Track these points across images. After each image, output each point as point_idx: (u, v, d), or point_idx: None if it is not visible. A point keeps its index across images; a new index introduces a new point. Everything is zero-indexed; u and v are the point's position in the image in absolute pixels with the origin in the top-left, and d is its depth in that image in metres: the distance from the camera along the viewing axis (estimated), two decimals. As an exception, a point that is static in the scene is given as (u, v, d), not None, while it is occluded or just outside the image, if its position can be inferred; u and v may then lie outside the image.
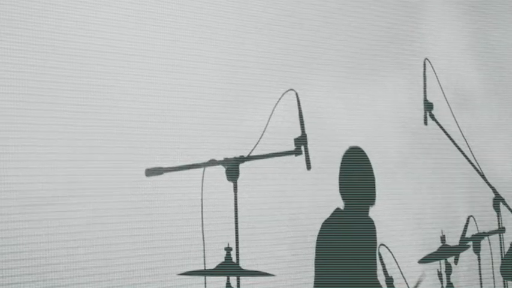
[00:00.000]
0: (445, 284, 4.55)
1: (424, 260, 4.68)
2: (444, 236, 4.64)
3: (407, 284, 4.57)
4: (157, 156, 4.64)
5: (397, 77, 6.07)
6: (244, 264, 3.77)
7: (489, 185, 4.56)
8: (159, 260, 4.59)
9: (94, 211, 4.41)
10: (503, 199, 4.57)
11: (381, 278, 4.43)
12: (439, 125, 4.57)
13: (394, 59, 6.09)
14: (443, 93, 4.80)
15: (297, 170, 4.56)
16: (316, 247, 4.35)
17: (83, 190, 4.39)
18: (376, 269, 4.40)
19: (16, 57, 4.27)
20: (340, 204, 4.43)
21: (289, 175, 5.17)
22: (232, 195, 3.76)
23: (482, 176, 4.55)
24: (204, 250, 3.84)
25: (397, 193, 5.82)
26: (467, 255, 4.95)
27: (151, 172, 4.14)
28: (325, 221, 4.38)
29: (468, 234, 4.69)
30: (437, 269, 4.60)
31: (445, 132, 4.59)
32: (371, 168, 4.44)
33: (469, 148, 4.66)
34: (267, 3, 5.41)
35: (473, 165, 4.55)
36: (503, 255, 4.60)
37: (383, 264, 4.45)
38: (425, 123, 4.60)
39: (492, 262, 4.84)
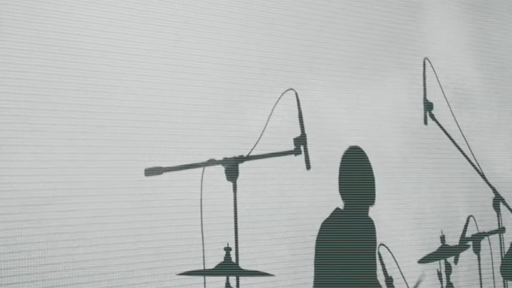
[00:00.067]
0: (444, 284, 4.55)
1: (424, 260, 4.67)
2: (444, 235, 4.63)
3: (407, 284, 4.57)
4: (156, 156, 4.64)
5: (397, 76, 6.06)
6: (243, 264, 3.76)
7: (489, 184, 4.55)
8: (158, 259, 4.58)
9: (93, 211, 4.41)
10: (503, 199, 4.56)
11: (381, 278, 4.42)
12: (439, 124, 4.57)
13: (394, 58, 6.09)
14: (443, 92, 4.79)
15: (296, 169, 4.56)
16: (316, 247, 4.34)
17: (82, 190, 4.39)
18: (375, 269, 4.40)
19: (18, 57, 4.27)
20: (340, 204, 4.42)
21: (289, 175, 5.17)
22: (232, 195, 3.76)
23: (482, 176, 4.55)
24: (203, 250, 3.83)
25: (396, 193, 5.82)
26: (467, 255, 4.95)
27: (150, 172, 4.14)
28: (325, 221, 4.38)
29: (468, 234, 4.68)
30: (437, 269, 4.59)
31: (445, 131, 4.59)
32: (371, 168, 4.43)
33: (469, 148, 4.66)
34: (269, 3, 5.40)
35: (473, 165, 4.55)
36: (503, 255, 4.60)
37: (383, 264, 4.45)
38: (425, 122, 4.59)
39: (492, 262, 4.84)
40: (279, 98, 4.00)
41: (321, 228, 4.36)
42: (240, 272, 3.70)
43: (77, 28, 4.50)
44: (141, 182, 4.52)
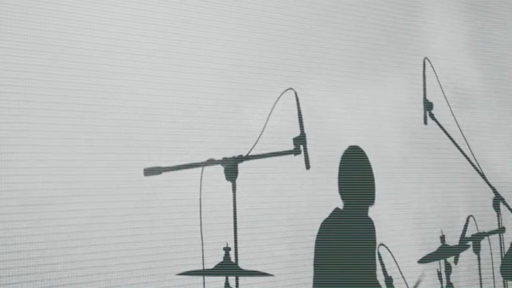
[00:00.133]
0: (444, 284, 4.54)
1: (424, 260, 4.67)
2: (444, 235, 4.63)
3: (406, 284, 4.57)
4: (155, 156, 4.63)
5: (397, 76, 6.06)
6: (243, 264, 3.76)
7: (489, 184, 4.54)
8: (157, 259, 4.58)
9: (92, 211, 4.40)
10: (503, 199, 4.56)
11: (380, 278, 4.42)
12: (438, 124, 4.56)
13: (394, 58, 6.09)
14: (443, 92, 4.79)
15: (296, 169, 4.55)
16: (315, 247, 4.34)
17: (81, 190, 4.39)
18: (375, 269, 4.39)
19: (18, 57, 4.27)
20: (340, 204, 4.42)
21: (288, 175, 5.16)
22: (231, 194, 3.75)
23: (482, 176, 4.54)
24: (202, 250, 3.83)
25: (396, 193, 5.81)
26: (467, 255, 4.95)
27: (149, 172, 4.14)
28: (324, 220, 4.37)
29: (468, 234, 4.68)
30: (437, 269, 4.59)
31: (444, 131, 4.58)
32: (370, 167, 4.43)
33: (469, 147, 4.65)
34: (267, 3, 5.40)
35: (473, 165, 4.54)
36: (503, 255, 4.60)
37: (382, 264, 4.44)
38: (425, 122, 4.58)
39: (492, 262, 4.84)
40: (279, 98, 4.00)
41: (320, 228, 4.36)
42: (239, 272, 3.70)
43: (78, 28, 4.50)
44: (140, 182, 4.51)
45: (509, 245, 4.64)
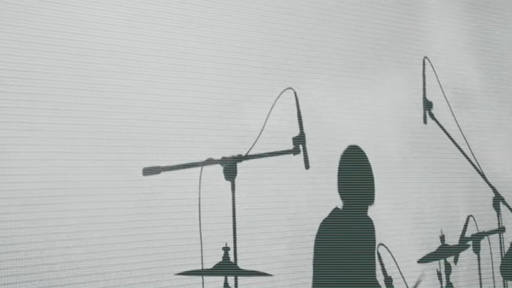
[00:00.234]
0: (444, 284, 4.54)
1: (424, 260, 4.66)
2: (444, 235, 4.62)
3: (406, 284, 4.56)
4: (155, 155, 4.63)
5: (397, 75, 6.05)
6: (242, 264, 3.76)
7: (489, 184, 4.54)
8: (156, 259, 4.57)
9: (91, 211, 4.40)
10: (503, 198, 4.55)
11: (380, 278, 4.41)
12: (438, 124, 4.55)
13: (394, 57, 6.08)
14: (442, 92, 4.78)
15: (295, 169, 4.54)
16: (315, 247, 4.33)
17: (79, 190, 4.38)
18: (375, 269, 4.39)
19: (19, 56, 4.26)
20: (339, 203, 4.41)
21: (288, 174, 5.16)
22: (230, 194, 3.74)
23: (482, 175, 4.53)
24: (201, 250, 3.82)
25: (396, 192, 5.80)
26: (466, 255, 4.94)
27: (148, 171, 4.13)
28: (324, 220, 4.36)
29: (468, 234, 4.68)
30: (437, 269, 4.59)
31: (444, 131, 4.58)
32: (370, 167, 4.42)
33: (469, 147, 4.65)
34: (267, 2, 5.39)
35: (473, 165, 4.53)
36: (503, 255, 4.59)
37: (382, 264, 4.44)
38: (425, 122, 4.58)
39: (492, 262, 4.83)
40: (278, 97, 3.99)
41: (319, 228, 4.35)
42: (238, 272, 3.69)
43: (80, 28, 4.50)
44: (139, 182, 4.50)
45: (509, 245, 4.64)
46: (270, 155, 4.00)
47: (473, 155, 4.58)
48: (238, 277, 3.76)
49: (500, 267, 4.63)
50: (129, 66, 4.67)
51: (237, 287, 3.72)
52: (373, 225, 4.43)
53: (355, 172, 4.40)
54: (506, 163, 6.54)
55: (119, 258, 4.45)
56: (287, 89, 3.99)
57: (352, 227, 4.30)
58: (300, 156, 3.87)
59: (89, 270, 4.34)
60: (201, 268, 3.82)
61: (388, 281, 4.39)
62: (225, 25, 5.16)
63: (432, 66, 4.75)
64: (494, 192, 4.57)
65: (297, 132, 3.89)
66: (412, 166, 6.01)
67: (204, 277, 4.02)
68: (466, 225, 4.66)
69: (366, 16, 5.97)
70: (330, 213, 4.38)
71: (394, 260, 4.48)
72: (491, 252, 4.80)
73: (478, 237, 4.65)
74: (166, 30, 4.87)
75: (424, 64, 4.70)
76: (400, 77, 6.06)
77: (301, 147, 3.87)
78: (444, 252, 4.59)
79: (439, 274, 4.56)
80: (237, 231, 3.75)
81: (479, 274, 4.67)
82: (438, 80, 4.80)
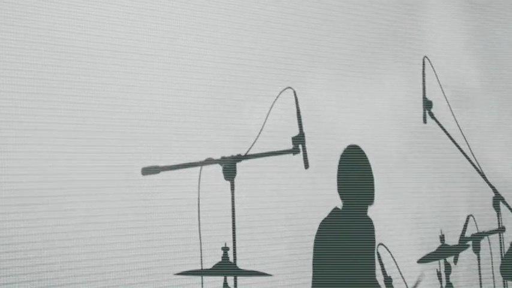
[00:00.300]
0: (444, 284, 4.53)
1: (423, 260, 4.66)
2: (443, 235, 4.62)
3: (406, 284, 4.56)
4: (154, 155, 4.62)
5: (396, 75, 6.05)
6: (241, 264, 3.75)
7: (489, 184, 4.53)
8: (155, 259, 4.57)
9: (90, 210, 4.39)
10: (503, 198, 4.55)
11: (380, 278, 4.41)
12: (438, 123, 4.55)
13: (393, 56, 6.08)
14: (442, 91, 4.78)
15: (294, 168, 4.54)
16: (314, 247, 4.32)
17: (79, 189, 4.38)
18: (374, 269, 4.38)
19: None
20: (339, 203, 4.40)
21: (287, 174, 5.15)
22: (230, 194, 3.74)
23: (482, 175, 4.53)
24: (200, 250, 3.81)
25: (396, 192, 5.80)
26: (466, 255, 4.94)
27: (147, 171, 4.13)
28: (323, 220, 4.36)
29: (468, 234, 4.67)
30: (437, 269, 4.58)
31: (444, 130, 4.57)
32: (370, 167, 4.41)
33: (469, 147, 4.64)
34: (266, 1, 5.39)
35: (472, 164, 4.53)
36: (503, 255, 4.59)
37: (382, 264, 4.44)
38: (425, 121, 4.57)
39: (492, 262, 4.83)
40: (277, 97, 3.99)
41: (319, 227, 4.34)
42: (237, 272, 3.69)
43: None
44: (138, 181, 4.50)
45: (509, 245, 4.63)
46: (270, 155, 3.99)
47: (473, 155, 4.58)
48: (238, 277, 3.75)
49: (500, 267, 4.62)
50: (126, 65, 4.67)
51: (237, 287, 3.71)
52: (372, 225, 4.42)
53: (355, 172, 4.39)
54: (506, 163, 6.54)
55: (118, 258, 4.45)
56: (286, 88, 3.98)
57: (351, 227, 4.29)
58: (300, 156, 3.86)
59: (88, 270, 4.33)
60: (200, 268, 3.82)
61: (388, 281, 4.39)
62: (226, 25, 5.15)
63: (432, 66, 4.74)
64: (494, 192, 4.56)
65: (296, 132, 3.89)
66: (412, 166, 6.00)
67: (204, 277, 4.02)
68: (466, 225, 4.66)
69: (366, 16, 5.96)
70: (330, 213, 4.37)
71: (394, 260, 4.47)
72: (491, 252, 4.79)
73: (478, 237, 4.64)
74: (169, 30, 4.86)
75: (424, 63, 4.70)
76: (400, 76, 6.06)
77: (300, 146, 3.86)
78: (444, 252, 4.59)
79: (438, 274, 4.55)
80: (237, 231, 3.74)
81: (479, 274, 4.67)
82: (438, 80, 4.80)
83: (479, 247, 4.65)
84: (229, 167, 3.76)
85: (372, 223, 4.42)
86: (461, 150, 4.57)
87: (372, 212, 4.45)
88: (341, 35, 5.78)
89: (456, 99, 6.09)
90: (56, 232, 4.27)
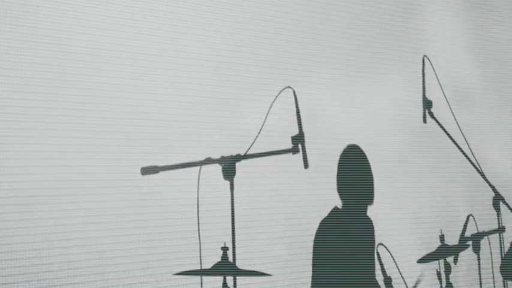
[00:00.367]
0: (444, 284, 4.53)
1: (423, 260, 4.66)
2: (443, 235, 4.62)
3: (406, 284, 4.56)
4: (153, 155, 4.62)
5: (396, 74, 6.04)
6: (240, 264, 3.75)
7: (489, 183, 4.52)
8: (154, 259, 4.57)
9: (89, 210, 4.39)
10: (503, 198, 4.54)
11: (379, 277, 4.40)
12: (438, 123, 4.54)
13: (393, 56, 6.07)
14: (442, 90, 4.77)
15: (294, 168, 4.54)
16: (314, 246, 4.32)
17: (78, 189, 4.38)
18: (374, 269, 4.37)
19: (17, 55, 4.26)
20: (338, 203, 4.39)
21: (287, 174, 5.15)
22: (229, 194, 3.73)
23: (482, 175, 4.52)
24: (200, 249, 3.81)
25: (395, 192, 5.80)
26: (466, 255, 4.94)
27: (147, 171, 4.12)
28: (323, 220, 4.35)
29: (468, 234, 4.67)
30: (437, 269, 4.58)
31: (444, 130, 4.56)
32: (369, 166, 4.40)
33: (469, 146, 4.63)
34: (267, 1, 5.38)
35: (472, 164, 4.52)
36: (503, 255, 4.58)
37: (381, 264, 4.43)
38: (424, 121, 4.56)
39: (492, 262, 4.82)
40: (277, 96, 3.98)
41: (319, 227, 4.34)
42: (237, 272, 3.69)
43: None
44: (137, 181, 4.49)
45: (509, 245, 4.63)
46: (269, 155, 3.99)
47: (473, 154, 4.57)
48: (237, 277, 3.75)
49: (500, 267, 4.62)
50: (125, 65, 4.66)
51: (236, 287, 3.71)
52: (372, 225, 4.41)
53: (355, 171, 4.38)
54: (506, 162, 6.53)
55: (117, 258, 4.45)
56: (286, 87, 3.98)
57: (351, 226, 4.28)
58: (299, 155, 3.85)
59: (87, 270, 4.33)
60: (199, 268, 3.81)
61: (388, 281, 4.39)
62: (229, 25, 5.15)
63: (432, 65, 4.74)
64: (494, 191, 4.56)
65: (296, 132, 3.88)
66: (411, 165, 6.00)
67: (203, 277, 4.02)
68: (465, 225, 4.66)
69: (365, 15, 5.96)
70: (329, 213, 4.36)
71: (394, 260, 4.47)
72: (491, 252, 4.79)
73: (478, 237, 4.64)
74: (172, 30, 4.86)
75: (423, 63, 4.69)
76: (400, 75, 6.06)
77: (300, 146, 3.86)
78: (444, 252, 4.58)
79: (438, 274, 4.55)
80: (236, 231, 3.74)
81: (479, 274, 4.67)
82: (438, 79, 4.79)
83: (479, 247, 4.64)
84: (228, 166, 3.76)
85: (372, 223, 4.42)
86: (461, 150, 4.56)
87: (371, 212, 4.44)
88: (341, 35, 5.78)
89: (456, 98, 6.09)
90: (55, 232, 4.27)
